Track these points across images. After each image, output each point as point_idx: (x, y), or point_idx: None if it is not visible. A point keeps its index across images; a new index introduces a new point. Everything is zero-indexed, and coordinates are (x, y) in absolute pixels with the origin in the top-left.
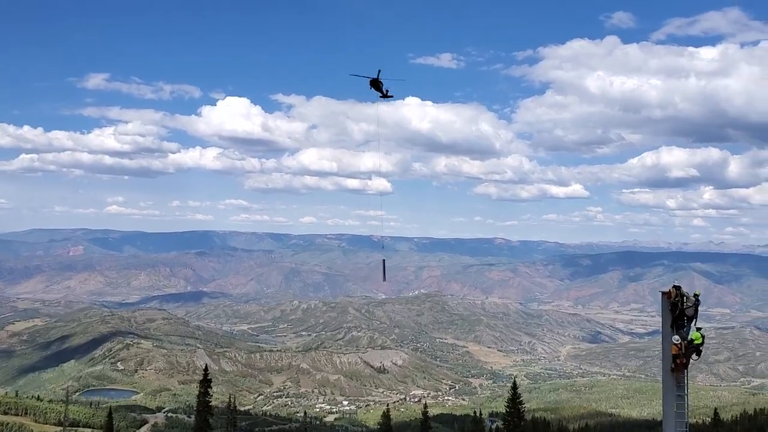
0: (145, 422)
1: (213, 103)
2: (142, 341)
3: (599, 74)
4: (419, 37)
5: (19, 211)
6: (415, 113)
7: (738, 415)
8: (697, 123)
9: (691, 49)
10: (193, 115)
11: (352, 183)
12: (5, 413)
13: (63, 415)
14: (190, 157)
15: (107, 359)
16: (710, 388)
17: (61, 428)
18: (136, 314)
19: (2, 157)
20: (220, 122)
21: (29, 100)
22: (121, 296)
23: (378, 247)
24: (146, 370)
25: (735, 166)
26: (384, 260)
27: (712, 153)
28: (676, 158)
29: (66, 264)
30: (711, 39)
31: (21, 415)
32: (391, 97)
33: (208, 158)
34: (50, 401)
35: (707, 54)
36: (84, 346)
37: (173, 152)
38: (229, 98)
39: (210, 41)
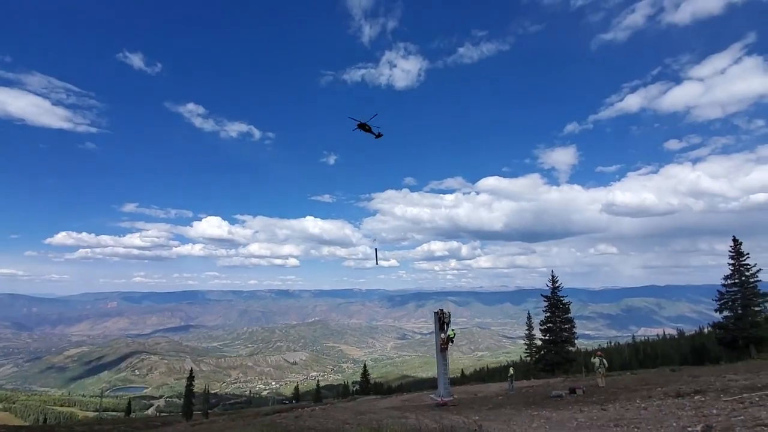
0: (151, 405)
1: (200, 219)
2: (151, 356)
3: (401, 206)
4: (311, 184)
5: (76, 282)
6: (310, 224)
7: (471, 372)
8: (446, 229)
9: (441, 195)
10: (187, 226)
11: (277, 261)
12: (61, 405)
13: (99, 404)
14: (186, 249)
15: (128, 369)
16: (458, 359)
17: (98, 413)
18: (148, 340)
19: (68, 251)
20: (204, 230)
21: (86, 216)
22: (139, 330)
23: (291, 296)
24: (153, 373)
25: (464, 250)
26: (376, 249)
27: (454, 244)
28: (438, 246)
29: (105, 313)
30: (450, 190)
31: (71, 406)
32: (382, 135)
33: (197, 249)
34: (91, 396)
35: (448, 198)
36: (114, 361)
37: (175, 246)
38: (209, 216)
39: (197, 186)
